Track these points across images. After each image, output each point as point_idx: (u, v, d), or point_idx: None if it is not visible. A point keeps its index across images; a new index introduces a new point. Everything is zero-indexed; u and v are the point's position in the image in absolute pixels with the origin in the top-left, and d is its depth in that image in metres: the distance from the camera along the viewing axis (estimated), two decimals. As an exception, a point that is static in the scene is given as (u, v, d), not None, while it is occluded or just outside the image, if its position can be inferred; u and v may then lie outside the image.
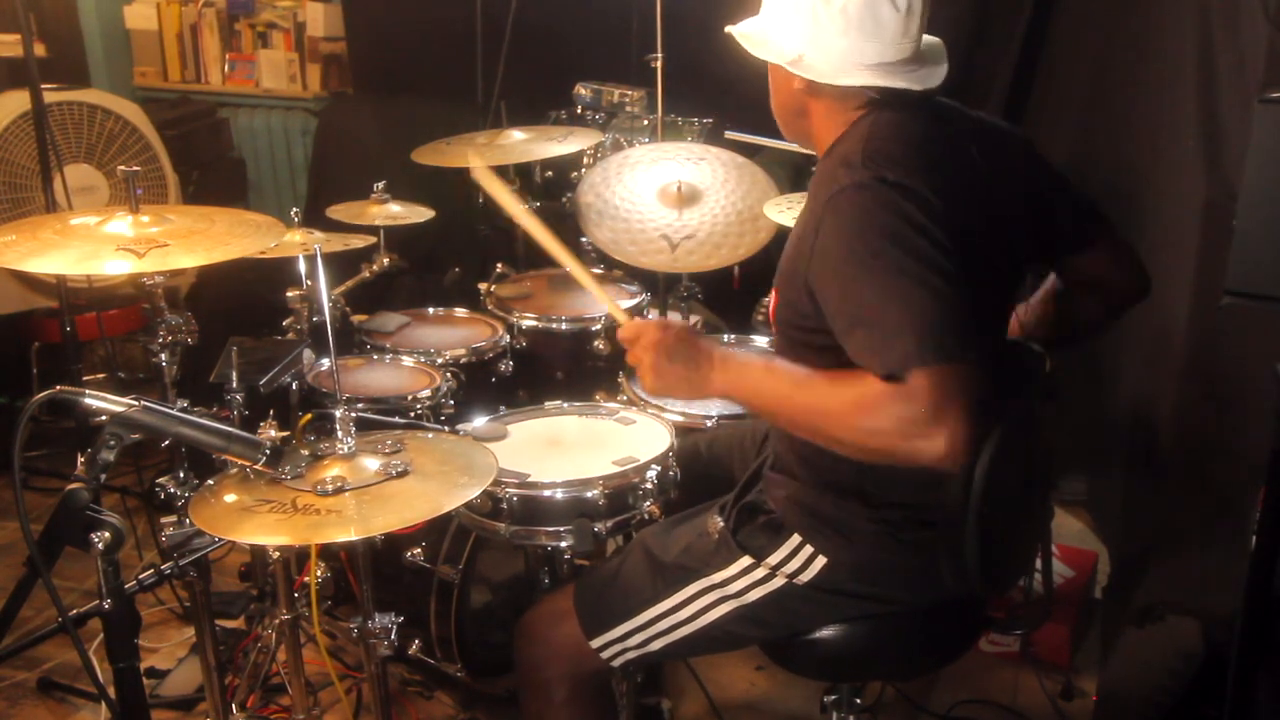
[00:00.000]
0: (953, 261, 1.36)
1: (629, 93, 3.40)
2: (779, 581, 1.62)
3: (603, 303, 1.66)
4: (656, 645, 1.68)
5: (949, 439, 1.29)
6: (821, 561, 1.60)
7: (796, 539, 1.61)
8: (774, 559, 1.62)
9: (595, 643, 1.69)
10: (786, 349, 1.60)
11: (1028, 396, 1.59)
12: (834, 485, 1.59)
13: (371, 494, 1.55)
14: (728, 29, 1.60)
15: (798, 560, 1.61)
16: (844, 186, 1.41)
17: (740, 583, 1.63)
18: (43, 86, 2.84)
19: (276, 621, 2.15)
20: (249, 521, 1.49)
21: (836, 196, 1.41)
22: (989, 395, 1.34)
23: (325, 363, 2.43)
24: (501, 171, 3.09)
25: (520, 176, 3.10)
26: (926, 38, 1.55)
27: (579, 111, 3.50)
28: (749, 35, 1.57)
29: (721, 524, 1.70)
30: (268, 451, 1.50)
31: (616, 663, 1.71)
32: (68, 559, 1.34)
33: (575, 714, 1.76)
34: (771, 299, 1.61)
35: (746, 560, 1.64)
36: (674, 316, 3.04)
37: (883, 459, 1.37)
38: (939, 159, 1.47)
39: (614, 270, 2.97)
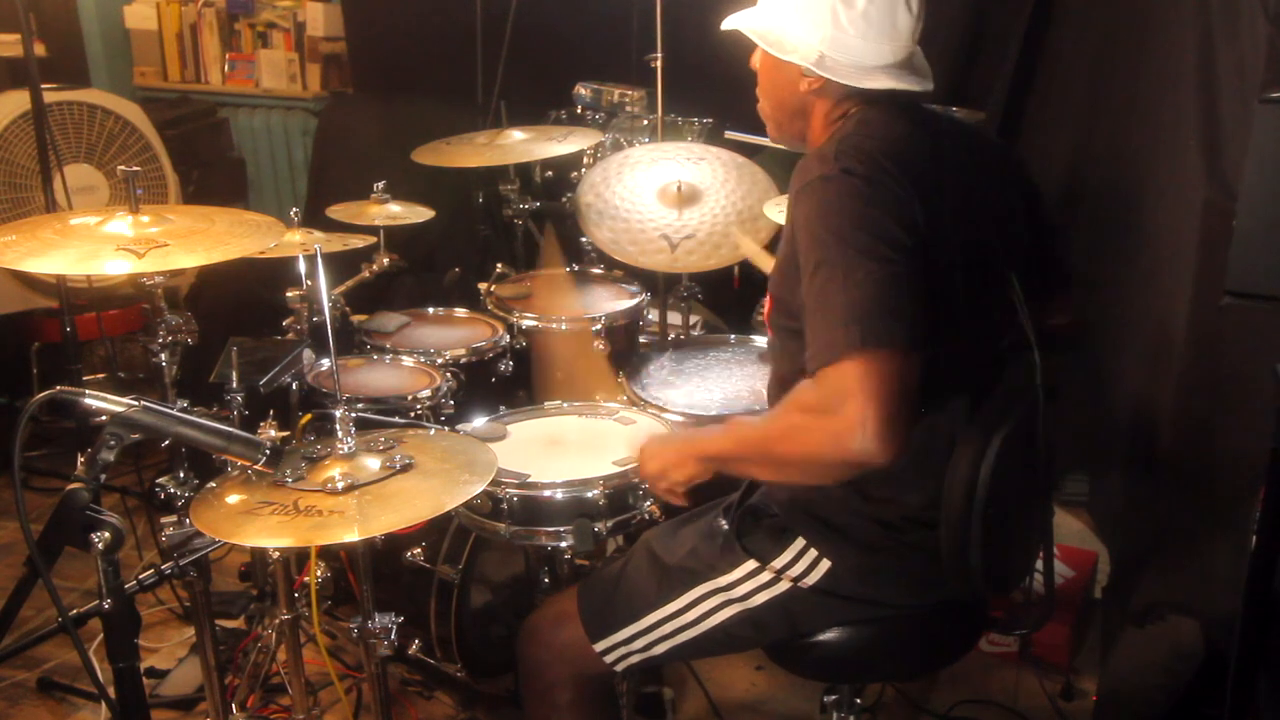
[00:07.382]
0: (910, 253, 1.36)
1: (629, 93, 3.39)
2: (783, 585, 1.61)
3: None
4: (660, 649, 1.68)
5: (872, 425, 1.27)
6: (826, 565, 1.59)
7: (801, 542, 1.61)
8: (778, 563, 1.62)
9: (599, 646, 1.69)
10: (780, 350, 1.62)
11: (1030, 397, 1.59)
12: (838, 487, 1.59)
13: (373, 493, 1.54)
14: (737, 26, 1.59)
15: (802, 564, 1.61)
16: (813, 180, 1.43)
17: (745, 586, 1.63)
18: (43, 86, 2.84)
19: (276, 621, 2.15)
20: (251, 523, 1.49)
21: (805, 189, 1.43)
22: (951, 386, 1.37)
23: (325, 363, 2.43)
24: (501, 172, 3.09)
25: (520, 176, 3.10)
26: None
27: (579, 111, 3.49)
28: (764, 34, 1.56)
29: (726, 527, 1.70)
30: (268, 452, 1.50)
31: (620, 667, 1.71)
32: (68, 559, 1.34)
33: (579, 718, 1.75)
34: (766, 304, 1.63)
35: (751, 564, 1.63)
36: (674, 317, 3.05)
37: (824, 467, 1.37)
38: (918, 152, 1.48)
39: (614, 270, 2.96)
